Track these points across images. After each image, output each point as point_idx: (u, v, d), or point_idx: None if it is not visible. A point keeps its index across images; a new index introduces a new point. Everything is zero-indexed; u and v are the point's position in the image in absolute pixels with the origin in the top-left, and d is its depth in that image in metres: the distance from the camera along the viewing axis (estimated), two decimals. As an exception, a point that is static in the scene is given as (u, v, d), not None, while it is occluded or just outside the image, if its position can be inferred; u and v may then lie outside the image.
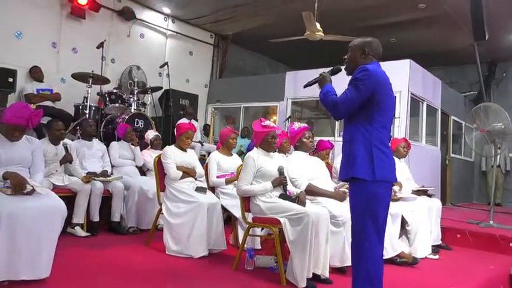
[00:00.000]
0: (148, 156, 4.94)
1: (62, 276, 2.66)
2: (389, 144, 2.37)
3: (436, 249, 4.21)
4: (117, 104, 5.95)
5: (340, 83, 2.49)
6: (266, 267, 3.23)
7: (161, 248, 3.60)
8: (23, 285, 2.41)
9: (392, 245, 3.58)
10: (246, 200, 3.26)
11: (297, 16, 6.04)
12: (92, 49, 5.93)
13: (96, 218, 4.14)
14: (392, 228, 3.65)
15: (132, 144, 4.91)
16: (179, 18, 8.29)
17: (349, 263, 2.95)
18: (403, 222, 3.94)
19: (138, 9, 7.56)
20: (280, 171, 3.18)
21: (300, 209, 2.93)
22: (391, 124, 2.48)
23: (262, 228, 3.69)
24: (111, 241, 3.91)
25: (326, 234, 2.97)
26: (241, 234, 3.74)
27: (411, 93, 6.33)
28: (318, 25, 6.03)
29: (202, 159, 5.51)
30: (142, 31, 7.78)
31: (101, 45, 5.74)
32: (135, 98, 6.29)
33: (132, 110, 6.01)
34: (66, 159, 4.08)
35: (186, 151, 3.97)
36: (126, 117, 5.60)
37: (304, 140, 3.61)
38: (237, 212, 3.65)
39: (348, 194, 2.72)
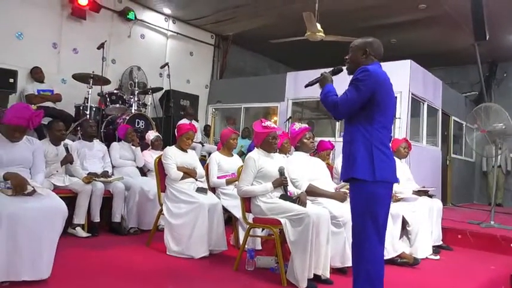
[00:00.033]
0: (149, 156, 4.94)
1: (63, 277, 2.66)
2: (390, 144, 2.37)
3: (436, 249, 4.20)
4: (117, 105, 5.96)
5: (341, 83, 2.49)
6: (267, 267, 3.23)
7: (162, 248, 3.60)
8: (23, 286, 2.41)
9: (393, 245, 3.58)
10: (247, 201, 3.26)
11: (298, 17, 6.03)
12: (93, 50, 5.94)
13: (96, 218, 4.14)
14: (393, 229, 3.65)
15: (132, 144, 4.91)
16: (180, 19, 8.30)
17: (349, 263, 2.96)
18: (404, 223, 3.93)
19: (139, 10, 7.57)
20: (281, 172, 3.17)
21: (301, 210, 2.93)
22: (391, 124, 2.48)
23: (263, 229, 3.70)
24: (112, 242, 3.91)
25: (327, 234, 2.96)
26: (241, 234, 3.74)
27: (412, 94, 6.33)
28: (318, 26, 6.03)
29: (203, 160, 5.50)
30: (143, 32, 7.79)
31: (101, 46, 5.74)
32: (136, 99, 6.29)
33: (133, 111, 6.02)
34: (67, 160, 4.08)
35: (186, 152, 3.97)
36: (127, 117, 5.60)
37: (305, 140, 3.61)
38: (237, 212, 3.65)
39: (348, 194, 2.72)
